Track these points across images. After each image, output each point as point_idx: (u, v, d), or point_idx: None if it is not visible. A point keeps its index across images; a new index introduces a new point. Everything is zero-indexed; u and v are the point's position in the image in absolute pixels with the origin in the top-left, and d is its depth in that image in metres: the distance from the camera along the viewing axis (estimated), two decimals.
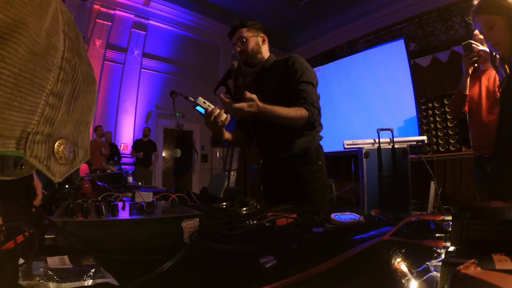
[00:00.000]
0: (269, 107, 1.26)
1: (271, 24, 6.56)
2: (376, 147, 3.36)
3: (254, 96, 1.21)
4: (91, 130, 0.36)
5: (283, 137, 1.45)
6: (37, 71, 0.24)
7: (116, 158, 5.94)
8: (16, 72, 0.23)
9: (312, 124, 1.35)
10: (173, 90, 1.25)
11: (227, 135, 1.45)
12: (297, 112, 1.31)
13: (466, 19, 1.36)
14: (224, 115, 1.25)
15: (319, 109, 1.39)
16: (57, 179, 0.28)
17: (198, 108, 1.24)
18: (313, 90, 1.39)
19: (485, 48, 1.76)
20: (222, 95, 1.28)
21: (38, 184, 1.08)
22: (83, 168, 5.86)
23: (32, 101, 0.24)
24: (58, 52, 0.26)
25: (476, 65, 1.81)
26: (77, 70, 0.28)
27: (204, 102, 1.24)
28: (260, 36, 1.51)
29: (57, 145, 0.28)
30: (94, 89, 0.33)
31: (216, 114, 1.23)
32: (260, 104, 1.23)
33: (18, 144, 0.24)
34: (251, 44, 1.48)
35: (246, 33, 1.48)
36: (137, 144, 6.29)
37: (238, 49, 1.48)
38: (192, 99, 1.24)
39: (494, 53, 1.29)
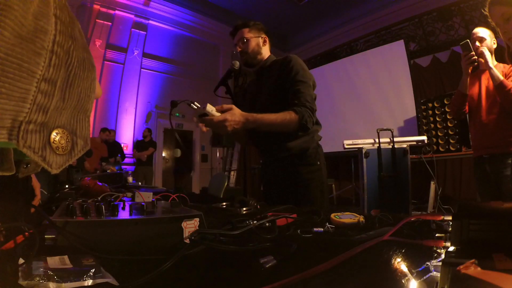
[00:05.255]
0: (258, 116, 1.23)
1: (271, 24, 6.54)
2: (376, 147, 3.36)
3: (232, 106, 1.17)
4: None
5: (281, 137, 1.45)
6: (26, 55, 0.23)
7: (119, 155, 5.91)
8: (2, 57, 0.21)
9: (305, 126, 1.32)
10: (173, 100, 1.15)
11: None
12: (286, 116, 1.29)
13: (483, 10, 1.29)
14: None
15: (312, 110, 1.35)
16: (54, 171, 0.27)
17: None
18: (308, 90, 1.38)
19: (484, 47, 1.76)
20: (200, 125, 1.17)
21: (36, 184, 1.08)
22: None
23: (22, 87, 0.23)
24: (48, 35, 0.24)
25: (476, 64, 1.81)
26: (71, 55, 0.27)
27: (212, 110, 1.12)
28: (261, 37, 1.52)
29: (53, 135, 0.27)
30: (93, 75, 0.31)
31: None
32: (246, 117, 1.19)
33: (10, 135, 0.23)
34: (252, 45, 1.49)
35: (247, 33, 1.49)
36: (140, 145, 6.27)
37: (239, 49, 1.50)
38: (198, 105, 1.11)
39: (510, 48, 1.21)
